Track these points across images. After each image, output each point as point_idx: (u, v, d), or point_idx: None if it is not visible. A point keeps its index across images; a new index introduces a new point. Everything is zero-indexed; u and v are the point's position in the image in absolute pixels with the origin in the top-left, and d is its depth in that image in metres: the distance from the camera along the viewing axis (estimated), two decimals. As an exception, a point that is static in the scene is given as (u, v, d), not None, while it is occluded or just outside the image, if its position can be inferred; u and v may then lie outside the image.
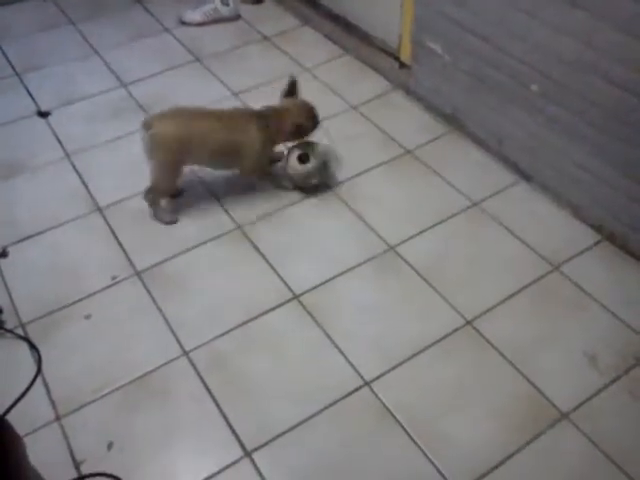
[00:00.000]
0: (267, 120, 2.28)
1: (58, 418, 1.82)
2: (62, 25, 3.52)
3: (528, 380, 1.87)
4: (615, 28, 1.91)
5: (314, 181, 2.44)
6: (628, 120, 2.00)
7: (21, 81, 3.13)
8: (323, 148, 2.44)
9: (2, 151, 2.73)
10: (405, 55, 2.93)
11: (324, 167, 2.43)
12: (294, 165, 2.39)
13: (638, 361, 1.90)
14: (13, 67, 3.22)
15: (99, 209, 2.45)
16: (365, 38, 3.19)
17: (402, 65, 2.97)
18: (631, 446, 1.72)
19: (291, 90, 2.38)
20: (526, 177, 2.49)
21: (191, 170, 2.52)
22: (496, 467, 1.68)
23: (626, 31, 1.88)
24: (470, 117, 2.65)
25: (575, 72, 2.09)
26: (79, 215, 2.43)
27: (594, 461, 1.69)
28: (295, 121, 2.29)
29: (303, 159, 2.37)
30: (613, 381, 1.86)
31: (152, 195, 2.35)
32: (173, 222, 2.37)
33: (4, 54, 3.32)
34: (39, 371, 1.92)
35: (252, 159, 2.30)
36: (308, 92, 2.96)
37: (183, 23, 3.50)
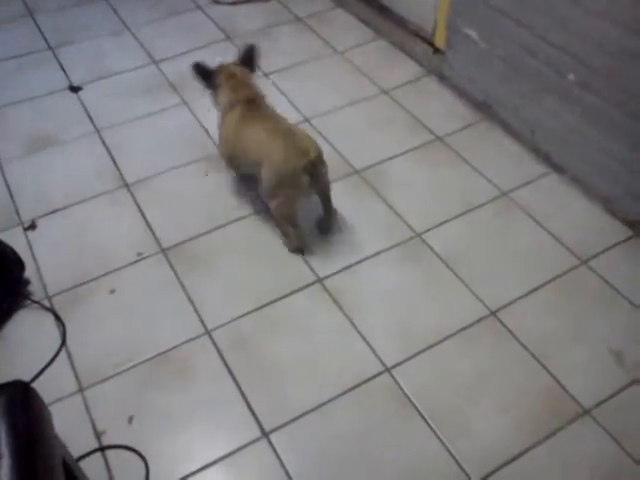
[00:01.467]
0: None
1: (81, 390, 1.84)
2: (95, 0, 3.53)
3: (550, 374, 1.84)
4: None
5: None
6: (668, 113, 1.94)
7: (54, 55, 3.15)
8: None
9: (33, 125, 2.76)
10: (440, 40, 2.88)
11: None
12: None
13: (665, 360, 1.87)
14: (47, 41, 3.25)
15: (127, 185, 2.47)
16: (399, 22, 3.14)
17: (436, 50, 2.92)
18: (654, 446, 1.69)
19: (248, 57, 2.23)
20: (558, 169, 2.44)
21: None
22: (513, 460, 1.67)
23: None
24: (503, 105, 2.60)
25: (616, 61, 2.03)
26: (107, 190, 2.45)
27: (615, 459, 1.67)
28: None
29: None
30: (638, 379, 1.83)
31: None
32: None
33: (38, 28, 3.34)
34: (63, 343, 1.95)
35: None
36: (339, 75, 2.95)
37: (216, 2, 3.49)
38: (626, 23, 1.96)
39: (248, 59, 2.25)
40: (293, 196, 2.06)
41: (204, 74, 2.21)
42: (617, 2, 1.95)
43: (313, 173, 1.98)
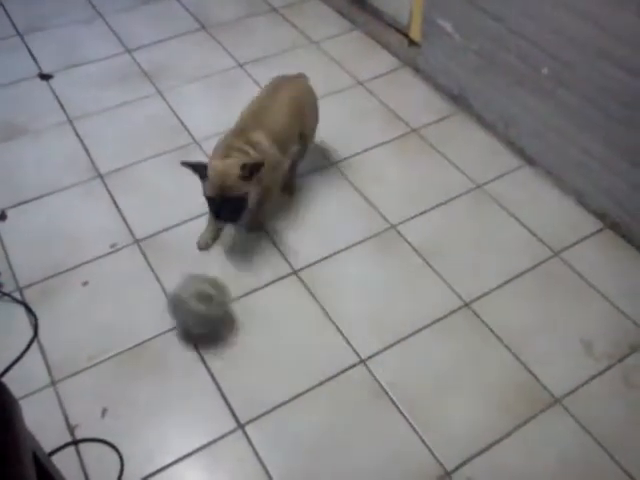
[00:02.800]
0: None
1: (53, 383, 1.82)
2: (67, -14, 3.47)
3: (523, 364, 1.87)
4: (631, 12, 1.87)
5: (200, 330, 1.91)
6: (638, 107, 1.97)
7: (24, 42, 3.09)
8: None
9: (2, 113, 2.70)
10: (415, 33, 2.89)
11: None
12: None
13: (632, 350, 1.91)
14: (16, 27, 3.18)
15: (100, 176, 2.43)
16: (375, 13, 3.14)
17: (412, 43, 2.93)
18: (621, 433, 1.73)
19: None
20: (531, 161, 2.47)
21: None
22: (487, 449, 1.69)
23: (641, 16, 1.85)
24: (477, 99, 2.62)
25: (587, 56, 2.06)
26: (80, 181, 2.41)
27: (585, 446, 1.70)
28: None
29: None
30: (607, 369, 1.87)
31: None
32: None
33: (7, 14, 3.27)
34: (35, 335, 1.92)
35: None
36: (315, 66, 2.94)
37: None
38: (595, 19, 1.98)
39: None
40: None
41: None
42: (590, -3, 1.98)
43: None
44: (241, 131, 2.09)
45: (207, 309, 1.83)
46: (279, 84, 2.26)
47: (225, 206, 1.97)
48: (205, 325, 1.88)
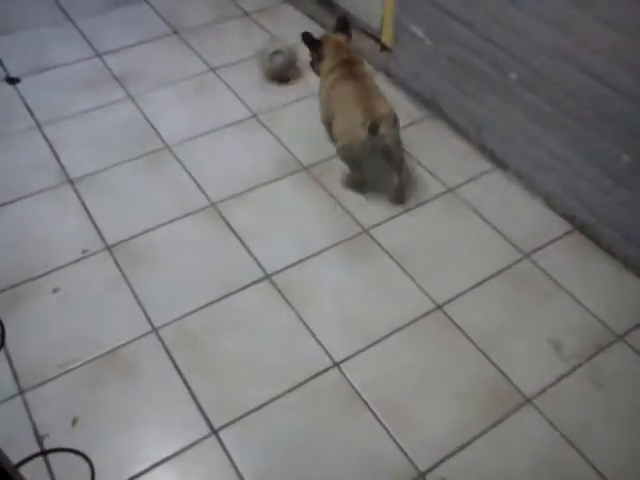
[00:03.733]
0: None
1: (21, 392, 1.79)
2: (35, -11, 3.42)
3: (495, 365, 1.89)
4: (594, 18, 1.91)
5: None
6: (603, 111, 2.01)
7: (-10, 45, 3.04)
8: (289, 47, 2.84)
9: (-32, 118, 2.65)
10: (387, 38, 2.91)
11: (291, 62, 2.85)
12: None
13: (599, 349, 1.94)
14: (-18, 31, 3.13)
15: (70, 181, 2.40)
16: (347, 18, 3.15)
17: (383, 48, 2.95)
18: (591, 431, 1.76)
19: (344, 25, 2.54)
20: (502, 165, 2.50)
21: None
22: (460, 449, 1.71)
23: (605, 22, 1.89)
24: (449, 103, 2.65)
25: (553, 61, 2.10)
26: (49, 186, 2.38)
27: (555, 445, 1.73)
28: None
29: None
30: (575, 368, 1.90)
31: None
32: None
33: (-27, 17, 3.21)
34: (2, 344, 1.88)
35: None
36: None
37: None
38: (560, 24, 2.02)
39: (344, 27, 2.54)
40: (352, 146, 2.24)
41: (311, 42, 2.50)
42: (553, 4, 2.01)
43: (374, 131, 2.13)
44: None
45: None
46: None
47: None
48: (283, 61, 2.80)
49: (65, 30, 3.16)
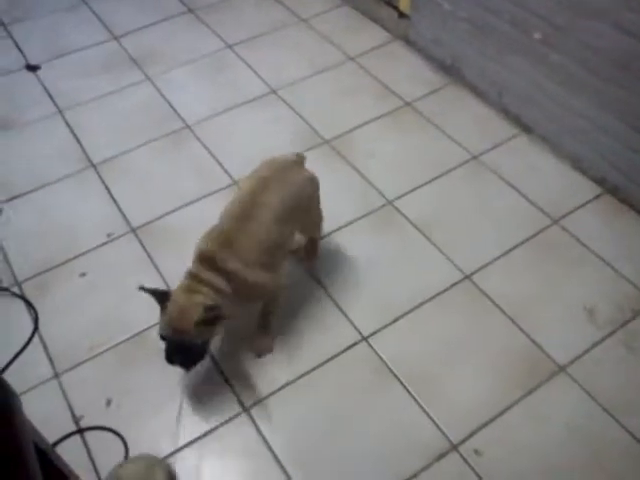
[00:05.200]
0: None
1: (57, 375, 1.82)
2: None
3: (526, 334, 1.87)
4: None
5: None
6: (633, 68, 1.94)
7: (8, 33, 3.05)
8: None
9: (-9, 106, 2.67)
10: (404, 4, 2.83)
11: None
12: None
13: (635, 314, 1.90)
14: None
15: (93, 165, 2.41)
16: (363, -14, 3.09)
17: (401, 15, 2.88)
18: (626, 397, 1.72)
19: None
20: (526, 129, 2.44)
21: (185, 125, 2.46)
22: (492, 420, 1.69)
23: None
24: (470, 68, 2.58)
25: (580, 18, 2.02)
26: (73, 172, 2.39)
27: (590, 413, 1.70)
28: None
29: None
30: (610, 334, 1.86)
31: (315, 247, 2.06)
32: None
33: (-11, 6, 3.22)
34: (36, 329, 1.92)
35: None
36: (305, 44, 2.90)
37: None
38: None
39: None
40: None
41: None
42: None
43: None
44: (212, 253, 1.66)
45: None
46: (268, 178, 1.76)
47: (179, 350, 1.59)
48: None
49: (80, 14, 3.15)
